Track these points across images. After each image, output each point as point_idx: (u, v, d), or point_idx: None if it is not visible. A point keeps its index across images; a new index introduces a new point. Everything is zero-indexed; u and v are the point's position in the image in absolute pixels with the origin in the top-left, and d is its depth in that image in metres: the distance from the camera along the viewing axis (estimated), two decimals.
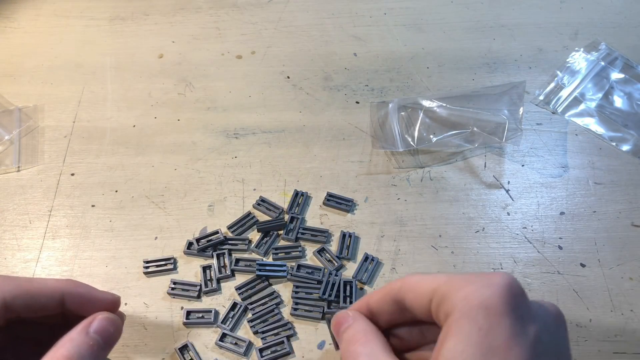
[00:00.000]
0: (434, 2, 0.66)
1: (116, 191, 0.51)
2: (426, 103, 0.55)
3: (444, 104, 0.54)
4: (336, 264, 0.46)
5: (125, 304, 0.44)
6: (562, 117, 0.56)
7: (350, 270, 0.46)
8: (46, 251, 0.47)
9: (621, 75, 0.58)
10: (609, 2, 0.65)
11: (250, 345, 0.42)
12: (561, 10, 0.65)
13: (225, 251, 0.47)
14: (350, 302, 0.43)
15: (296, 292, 0.45)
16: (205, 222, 0.49)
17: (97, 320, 0.33)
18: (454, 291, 0.27)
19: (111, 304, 0.36)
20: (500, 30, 0.63)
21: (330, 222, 0.49)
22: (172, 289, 0.45)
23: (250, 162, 0.53)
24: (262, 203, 0.50)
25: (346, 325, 0.33)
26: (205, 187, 0.51)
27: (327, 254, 0.47)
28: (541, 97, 0.57)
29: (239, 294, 0.45)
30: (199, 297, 0.45)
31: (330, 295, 0.44)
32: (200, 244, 0.47)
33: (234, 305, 0.44)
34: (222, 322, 0.43)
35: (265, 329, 0.43)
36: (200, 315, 0.44)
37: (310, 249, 0.47)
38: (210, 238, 0.47)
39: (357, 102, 0.57)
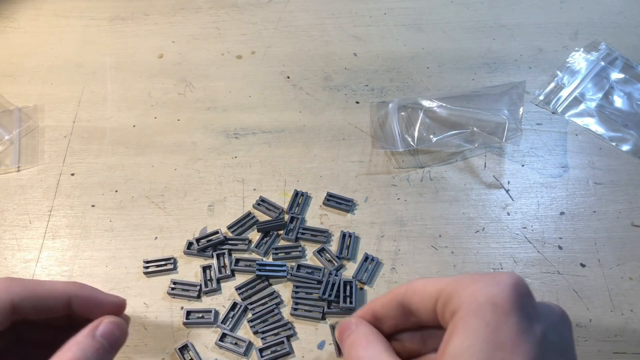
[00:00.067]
0: (434, 2, 0.66)
1: (116, 191, 0.51)
2: (426, 103, 0.55)
3: (444, 104, 0.54)
4: (336, 264, 0.46)
5: None
6: (562, 117, 0.56)
7: (350, 270, 0.46)
8: (46, 251, 0.48)
9: (621, 75, 0.58)
10: (609, 2, 0.65)
11: (250, 345, 0.42)
12: (561, 10, 0.65)
13: (225, 251, 0.47)
14: (350, 302, 0.43)
15: (296, 292, 0.45)
16: (205, 222, 0.49)
17: (103, 324, 0.33)
18: (460, 289, 0.27)
19: (117, 307, 0.36)
20: (500, 30, 0.63)
21: (330, 222, 0.49)
22: (172, 289, 0.45)
23: (250, 162, 0.53)
24: (262, 203, 0.50)
25: (349, 332, 0.33)
26: (205, 187, 0.51)
27: (327, 254, 0.47)
28: (541, 97, 0.57)
29: (239, 294, 0.45)
30: (199, 297, 0.45)
31: (330, 295, 0.44)
32: (200, 244, 0.47)
33: (234, 305, 0.44)
34: (222, 322, 0.43)
35: (265, 329, 0.43)
36: (200, 315, 0.44)
37: (310, 249, 0.47)
38: (210, 238, 0.47)
39: (357, 102, 0.57)
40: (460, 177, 0.52)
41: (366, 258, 0.46)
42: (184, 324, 0.43)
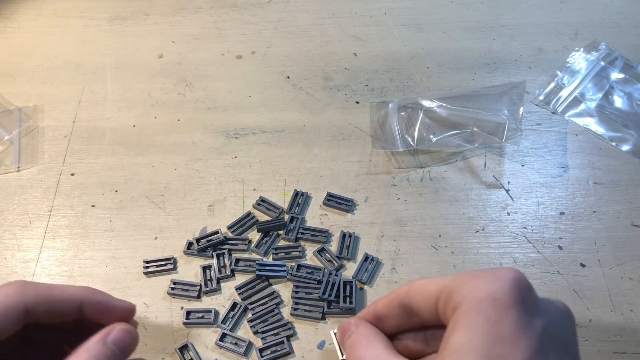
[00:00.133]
0: (434, 2, 0.66)
1: (116, 191, 0.51)
2: (426, 103, 0.55)
3: (444, 104, 0.54)
4: (336, 264, 0.46)
5: None
6: (562, 117, 0.56)
7: (350, 270, 0.46)
8: (46, 251, 0.47)
9: (621, 75, 0.58)
10: (609, 2, 0.65)
11: (250, 345, 0.42)
12: (561, 10, 0.65)
13: (225, 251, 0.47)
14: (350, 302, 0.43)
15: (296, 292, 0.45)
16: (205, 222, 0.49)
17: (115, 331, 0.33)
18: (461, 286, 0.28)
19: (127, 313, 0.37)
20: (500, 30, 0.63)
21: (330, 222, 0.49)
22: (172, 289, 0.45)
23: (250, 162, 0.53)
24: (262, 203, 0.50)
25: (349, 332, 0.33)
26: (205, 187, 0.51)
27: (327, 254, 0.47)
28: (541, 97, 0.57)
29: (239, 294, 0.45)
30: (199, 297, 0.45)
31: (330, 295, 0.44)
32: (200, 244, 0.47)
33: (234, 305, 0.44)
34: (222, 322, 0.43)
35: (265, 329, 0.43)
36: (200, 315, 0.44)
37: (310, 249, 0.47)
38: (210, 238, 0.47)
39: (357, 102, 0.57)
40: (460, 177, 0.52)
41: (366, 258, 0.46)
42: (184, 324, 0.43)
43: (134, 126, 0.56)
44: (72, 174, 0.52)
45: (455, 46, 0.62)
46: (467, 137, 0.53)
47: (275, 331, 0.43)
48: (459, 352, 0.26)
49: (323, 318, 0.44)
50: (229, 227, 0.48)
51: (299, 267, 0.46)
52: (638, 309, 0.44)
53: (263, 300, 0.44)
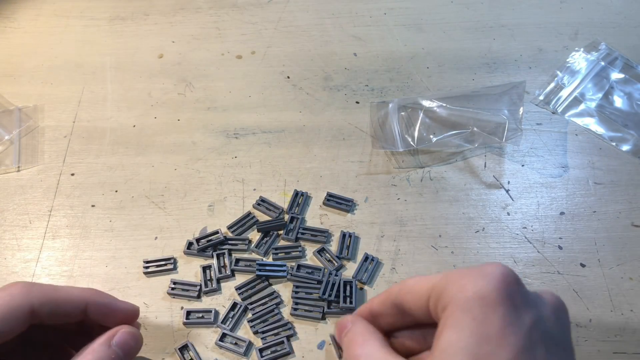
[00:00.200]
0: (434, 2, 0.66)
1: (116, 191, 0.51)
2: (426, 103, 0.55)
3: (444, 104, 0.54)
4: (336, 264, 0.46)
5: None
6: (562, 117, 0.56)
7: (350, 270, 0.46)
8: (46, 251, 0.47)
9: (621, 75, 0.58)
10: (609, 2, 0.65)
11: (250, 345, 0.42)
12: (561, 10, 0.65)
13: (225, 251, 0.47)
14: (350, 302, 0.43)
15: (296, 292, 0.45)
16: (205, 222, 0.49)
17: (119, 334, 0.34)
18: (449, 285, 0.28)
19: (131, 315, 0.37)
20: (500, 30, 0.63)
21: (330, 222, 0.49)
22: (172, 289, 0.45)
23: (250, 162, 0.53)
24: (262, 203, 0.50)
25: (346, 330, 0.33)
26: (205, 187, 0.51)
27: (327, 254, 0.47)
28: (541, 97, 0.57)
29: (239, 294, 0.45)
30: (199, 297, 0.45)
31: (330, 295, 0.44)
32: (200, 244, 0.47)
33: (234, 305, 0.44)
34: (222, 322, 0.43)
35: (265, 329, 0.43)
36: (200, 315, 0.44)
37: (310, 249, 0.47)
38: (210, 238, 0.47)
39: (357, 102, 0.57)
40: (460, 177, 0.52)
41: (366, 258, 0.46)
42: (184, 324, 0.43)
43: (134, 126, 0.56)
44: (72, 174, 0.52)
45: (455, 46, 0.62)
46: (467, 137, 0.53)
47: (275, 331, 0.43)
48: (447, 352, 0.26)
49: (323, 318, 0.44)
50: (229, 227, 0.48)
51: (299, 267, 0.46)
52: (638, 309, 0.44)
53: (263, 300, 0.44)
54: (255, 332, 0.43)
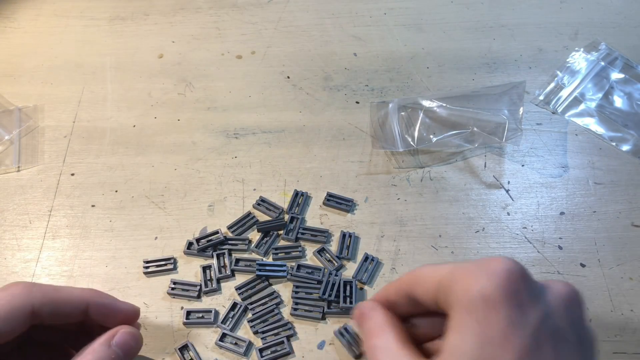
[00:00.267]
0: (434, 2, 0.66)
1: (116, 191, 0.51)
2: (426, 103, 0.55)
3: (444, 104, 0.54)
4: (336, 264, 0.46)
5: None
6: (562, 117, 0.56)
7: (350, 270, 0.46)
8: (46, 251, 0.47)
9: (621, 75, 0.58)
10: (609, 2, 0.65)
11: (250, 345, 0.42)
12: (561, 10, 0.65)
13: (225, 251, 0.47)
14: (350, 302, 0.43)
15: (296, 292, 0.45)
16: (205, 222, 0.49)
17: (119, 334, 0.34)
18: (455, 283, 0.27)
19: (132, 315, 0.37)
20: (500, 30, 0.63)
21: (330, 222, 0.49)
22: (172, 289, 0.45)
23: (250, 162, 0.53)
24: (262, 203, 0.50)
25: (365, 318, 0.34)
26: (205, 187, 0.51)
27: (327, 254, 0.47)
28: (541, 97, 0.57)
29: (239, 294, 0.45)
30: (199, 297, 0.45)
31: (330, 295, 0.44)
32: (200, 244, 0.47)
33: (234, 305, 0.44)
34: (222, 322, 0.43)
35: (265, 329, 0.43)
36: (200, 315, 0.44)
37: (310, 249, 0.47)
38: (210, 238, 0.47)
39: (357, 102, 0.57)
40: (460, 177, 0.52)
41: (366, 258, 0.46)
42: (184, 324, 0.43)
43: (134, 126, 0.56)
44: (72, 174, 0.52)
45: (455, 46, 0.62)
46: (467, 137, 0.53)
47: (275, 331, 0.43)
48: (452, 355, 0.26)
49: (323, 318, 0.44)
50: (229, 227, 0.48)
51: (299, 267, 0.46)
52: (638, 309, 0.44)
53: (263, 300, 0.44)
54: (255, 332, 0.43)
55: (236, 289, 0.45)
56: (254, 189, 0.51)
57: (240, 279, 0.46)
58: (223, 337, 0.42)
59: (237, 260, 0.46)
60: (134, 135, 0.55)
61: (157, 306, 0.44)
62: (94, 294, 0.35)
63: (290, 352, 0.42)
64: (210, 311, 0.44)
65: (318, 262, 0.47)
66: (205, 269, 0.46)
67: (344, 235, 0.47)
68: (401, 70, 0.60)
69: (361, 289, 0.45)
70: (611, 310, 0.44)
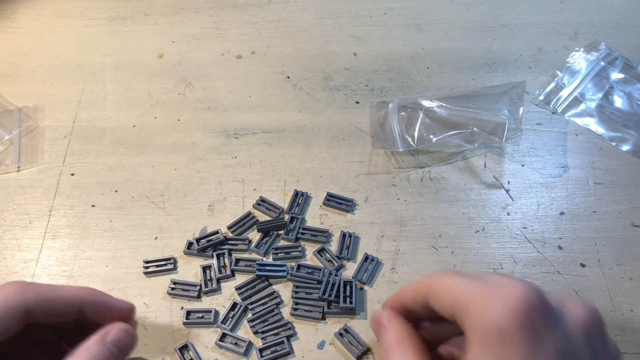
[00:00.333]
0: (434, 2, 0.66)
1: (116, 191, 0.51)
2: (426, 103, 0.55)
3: (444, 104, 0.54)
4: (336, 264, 0.46)
5: None
6: (562, 117, 0.56)
7: (350, 270, 0.46)
8: (46, 251, 0.47)
9: (621, 75, 0.58)
10: (609, 2, 0.65)
11: (250, 345, 0.42)
12: (561, 10, 0.65)
13: (225, 251, 0.47)
14: (351, 302, 0.43)
15: (296, 292, 0.45)
16: (205, 222, 0.49)
17: (113, 332, 0.34)
18: (471, 307, 0.27)
19: (127, 313, 0.37)
20: (500, 30, 0.63)
21: (330, 222, 0.49)
22: (172, 289, 0.45)
23: (250, 162, 0.53)
24: (262, 203, 0.50)
25: (383, 329, 0.33)
26: (205, 187, 0.51)
27: (327, 254, 0.47)
28: (541, 97, 0.57)
29: (239, 294, 0.45)
30: (199, 297, 0.45)
31: (330, 295, 0.44)
32: (200, 244, 0.47)
33: (234, 305, 0.44)
34: (222, 322, 0.43)
35: (265, 329, 0.43)
36: (200, 315, 0.44)
37: (310, 249, 0.47)
38: (210, 238, 0.47)
39: (357, 102, 0.57)
40: (460, 177, 0.52)
41: (366, 258, 0.46)
42: (184, 324, 0.43)
43: (134, 126, 0.56)
44: (72, 174, 0.52)
45: (455, 46, 0.62)
46: (467, 137, 0.53)
47: (275, 331, 0.43)
48: None
49: (323, 318, 0.44)
50: (229, 227, 0.48)
51: (299, 267, 0.46)
52: (638, 309, 0.44)
53: (263, 300, 0.44)
54: (255, 332, 0.43)
55: (236, 289, 0.45)
56: (254, 189, 0.51)
57: (240, 279, 0.46)
58: (223, 337, 0.42)
59: (237, 260, 0.46)
60: (134, 135, 0.55)
61: (157, 306, 0.44)
62: (89, 292, 0.35)
63: (290, 352, 0.42)
64: (210, 311, 0.44)
65: (318, 262, 0.47)
66: (205, 269, 0.46)
67: (344, 235, 0.47)
68: (401, 70, 0.60)
69: (361, 289, 0.45)
70: (611, 310, 0.44)
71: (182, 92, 0.58)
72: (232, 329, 0.43)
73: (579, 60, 0.59)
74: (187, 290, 0.45)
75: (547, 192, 0.51)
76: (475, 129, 0.53)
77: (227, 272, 0.46)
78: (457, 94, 0.55)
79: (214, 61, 0.61)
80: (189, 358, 0.42)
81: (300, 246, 0.47)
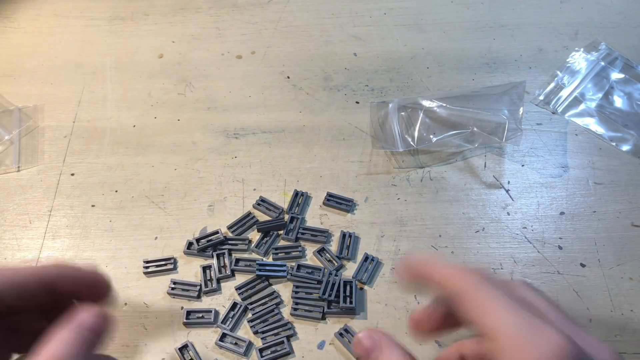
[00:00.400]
0: (434, 2, 0.66)
1: (116, 191, 0.51)
2: (426, 103, 0.55)
3: (444, 104, 0.54)
4: (336, 264, 0.46)
5: (126, 304, 0.45)
6: (562, 117, 0.56)
7: (350, 270, 0.46)
8: (46, 251, 0.47)
9: (621, 75, 0.58)
10: (609, 2, 0.65)
11: (250, 345, 0.42)
12: (561, 10, 0.65)
13: (225, 251, 0.47)
14: (350, 302, 0.43)
15: (296, 292, 0.45)
16: (205, 222, 0.49)
17: (85, 316, 0.31)
18: (505, 348, 0.25)
19: (101, 281, 0.35)
20: (500, 30, 0.63)
21: (330, 222, 0.49)
22: (172, 289, 0.45)
23: (250, 162, 0.53)
24: (262, 203, 0.50)
25: (372, 356, 0.29)
26: (205, 187, 0.51)
27: (327, 254, 0.47)
28: (541, 97, 0.57)
29: (239, 294, 0.45)
30: (199, 297, 0.45)
31: (330, 295, 0.44)
32: (200, 244, 0.47)
33: (234, 305, 0.44)
34: (222, 322, 0.43)
35: (265, 329, 0.43)
36: (200, 315, 0.44)
37: (310, 249, 0.47)
38: (210, 238, 0.47)
39: (357, 102, 0.57)
40: (460, 177, 0.52)
41: (366, 258, 0.46)
42: (184, 324, 0.43)
43: (134, 126, 0.56)
44: (72, 174, 0.52)
45: (455, 46, 0.62)
46: (467, 137, 0.53)
47: (275, 331, 0.43)
48: None
49: (323, 318, 0.44)
50: (229, 227, 0.48)
51: (299, 267, 0.46)
52: (638, 309, 0.44)
53: (263, 300, 0.44)
54: (255, 332, 0.43)
55: (236, 289, 0.45)
56: (254, 189, 0.51)
57: (240, 279, 0.46)
58: (223, 337, 0.42)
59: (237, 260, 0.46)
60: (134, 135, 0.55)
61: (157, 306, 0.44)
62: (56, 269, 0.33)
63: (290, 352, 0.42)
64: (210, 311, 0.44)
65: (318, 262, 0.47)
66: (205, 269, 0.46)
67: (344, 235, 0.47)
68: (401, 70, 0.60)
69: (361, 289, 0.45)
70: (611, 310, 0.44)
71: (182, 92, 0.58)
72: (232, 329, 0.43)
73: (579, 60, 0.59)
74: (187, 290, 0.45)
75: (547, 192, 0.51)
76: (475, 129, 0.53)
77: (227, 272, 0.46)
78: (457, 94, 0.55)
79: (214, 61, 0.61)
80: (189, 358, 0.42)
81: (300, 246, 0.47)
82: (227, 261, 0.46)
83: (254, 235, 0.48)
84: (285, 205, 0.50)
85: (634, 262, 0.46)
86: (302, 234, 0.48)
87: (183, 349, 0.42)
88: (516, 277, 0.45)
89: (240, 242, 0.47)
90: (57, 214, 0.50)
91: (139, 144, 0.54)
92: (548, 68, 0.59)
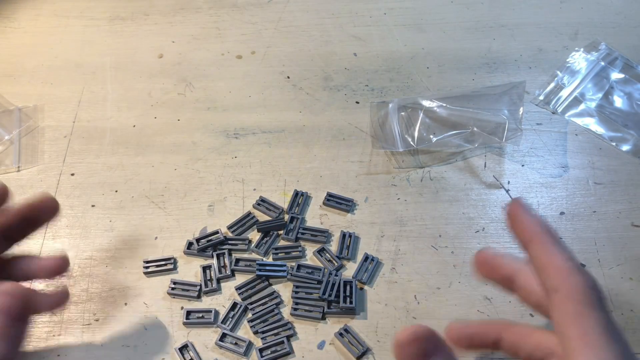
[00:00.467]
0: (434, 2, 0.66)
1: (116, 191, 0.51)
2: (426, 103, 0.55)
3: (444, 104, 0.54)
4: (336, 264, 0.46)
5: (125, 304, 0.45)
6: (562, 117, 0.56)
7: (350, 270, 0.46)
8: (46, 251, 0.47)
9: (621, 75, 0.58)
10: (609, 2, 0.65)
11: (250, 345, 0.42)
12: (561, 10, 0.65)
13: (225, 251, 0.47)
14: (351, 302, 0.43)
15: (296, 292, 0.45)
16: (205, 222, 0.49)
17: (7, 285, 0.31)
18: None
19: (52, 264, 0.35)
20: (500, 30, 0.63)
21: (330, 222, 0.49)
22: (172, 289, 0.45)
23: (250, 162, 0.53)
24: (262, 203, 0.50)
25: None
26: (205, 187, 0.51)
27: (327, 254, 0.47)
28: (541, 97, 0.57)
29: (239, 294, 0.45)
30: (199, 297, 0.45)
31: (330, 295, 0.44)
32: (200, 244, 0.47)
33: (234, 305, 0.44)
34: (222, 322, 0.43)
35: (265, 329, 0.43)
36: (200, 315, 0.44)
37: (310, 249, 0.47)
38: (210, 238, 0.47)
39: (357, 102, 0.57)
40: (460, 177, 0.52)
41: (366, 258, 0.46)
42: (184, 324, 0.43)
43: (134, 126, 0.56)
44: (72, 174, 0.52)
45: (455, 46, 0.62)
46: (467, 137, 0.53)
47: (275, 331, 0.43)
48: None
49: (323, 318, 0.44)
50: (229, 227, 0.48)
51: (299, 267, 0.46)
52: (638, 309, 0.44)
53: (263, 300, 0.44)
54: (255, 332, 0.43)
55: (236, 289, 0.45)
56: (254, 189, 0.51)
57: (240, 279, 0.46)
58: (223, 337, 0.42)
59: (237, 260, 0.46)
60: (134, 135, 0.55)
61: (157, 306, 0.44)
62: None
63: (290, 352, 0.42)
64: (210, 311, 0.44)
65: (318, 262, 0.47)
66: (205, 269, 0.46)
67: (344, 235, 0.47)
68: (401, 70, 0.60)
69: (361, 289, 0.45)
70: (611, 310, 0.44)
71: (182, 92, 0.58)
72: (232, 329, 0.43)
73: (579, 60, 0.59)
74: (187, 290, 0.45)
75: (547, 192, 0.51)
76: (475, 129, 0.53)
77: (227, 272, 0.46)
78: (457, 94, 0.55)
79: (214, 61, 0.61)
80: (189, 358, 0.42)
81: (300, 246, 0.47)
82: (227, 261, 0.46)
83: (254, 235, 0.48)
84: (285, 205, 0.50)
85: (634, 262, 0.46)
86: (302, 234, 0.48)
87: (183, 349, 0.42)
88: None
89: (240, 242, 0.47)
90: None
91: (139, 144, 0.54)
92: (548, 68, 0.59)
